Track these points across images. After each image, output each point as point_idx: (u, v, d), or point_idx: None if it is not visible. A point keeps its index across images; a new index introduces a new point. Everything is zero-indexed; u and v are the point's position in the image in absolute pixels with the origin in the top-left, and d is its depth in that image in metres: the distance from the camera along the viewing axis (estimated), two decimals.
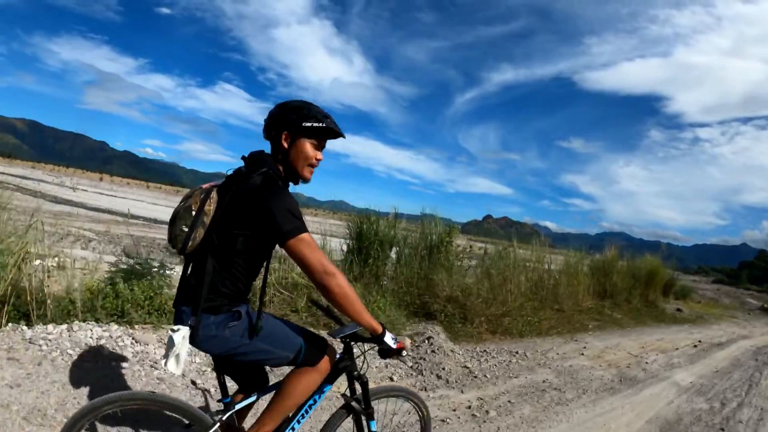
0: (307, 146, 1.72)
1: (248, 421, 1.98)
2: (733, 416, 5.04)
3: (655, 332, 10.37)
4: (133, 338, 3.73)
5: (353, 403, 1.93)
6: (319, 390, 1.87)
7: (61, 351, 3.31)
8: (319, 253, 1.57)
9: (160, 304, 4.22)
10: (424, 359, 5.24)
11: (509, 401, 4.57)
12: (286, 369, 1.89)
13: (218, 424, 1.71)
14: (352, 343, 1.92)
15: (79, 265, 4.47)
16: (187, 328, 1.59)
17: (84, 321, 3.78)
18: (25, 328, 3.50)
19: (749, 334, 12.56)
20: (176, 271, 4.67)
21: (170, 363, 1.57)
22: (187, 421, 1.68)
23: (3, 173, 31.89)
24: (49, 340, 3.38)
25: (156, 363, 3.57)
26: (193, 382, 3.45)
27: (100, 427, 2.32)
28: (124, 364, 3.47)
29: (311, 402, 1.85)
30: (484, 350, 6.30)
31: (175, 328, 1.59)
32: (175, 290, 3.13)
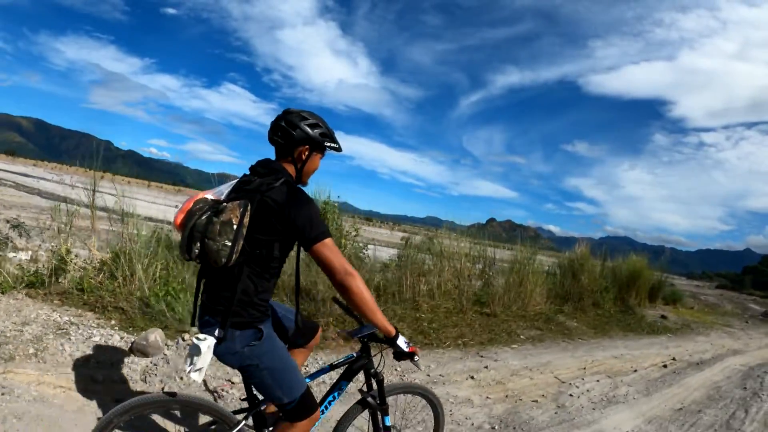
0: (318, 160, 1.90)
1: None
2: None
3: (615, 346, 8.00)
4: None
5: (369, 399, 2.03)
6: (338, 387, 2.03)
7: None
8: (341, 255, 1.67)
9: None
10: None
11: None
12: None
13: (243, 422, 1.82)
14: (370, 343, 2.01)
15: None
16: (213, 338, 1.65)
17: None
18: None
19: (743, 348, 10.15)
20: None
21: (194, 372, 1.61)
22: (211, 419, 1.79)
23: (4, 170, 31.18)
24: None
25: None
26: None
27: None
28: None
29: (330, 398, 2.00)
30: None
31: (201, 336, 1.64)
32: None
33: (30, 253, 4.82)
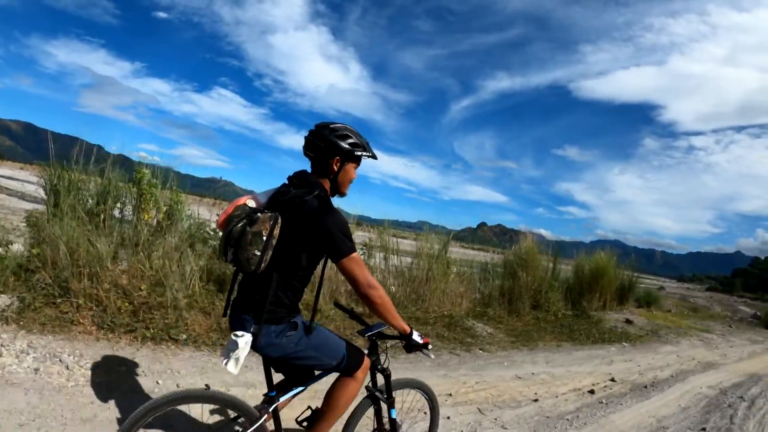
0: (352, 170, 1.95)
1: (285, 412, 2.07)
2: None
3: (531, 361, 5.70)
4: None
5: (377, 393, 2.11)
6: None
7: None
8: (366, 269, 1.79)
9: None
10: None
11: None
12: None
13: (265, 416, 1.87)
14: (378, 340, 2.12)
15: None
16: (250, 335, 1.75)
17: None
18: None
19: (718, 361, 7.86)
20: None
21: (230, 364, 1.72)
22: (234, 414, 1.85)
23: None
24: None
25: None
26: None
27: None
28: None
29: None
30: None
31: (239, 333, 1.74)
32: None
33: None
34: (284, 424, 2.01)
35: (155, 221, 4.94)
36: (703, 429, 4.09)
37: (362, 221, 8.71)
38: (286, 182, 1.94)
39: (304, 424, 2.08)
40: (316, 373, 2.05)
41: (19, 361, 3.03)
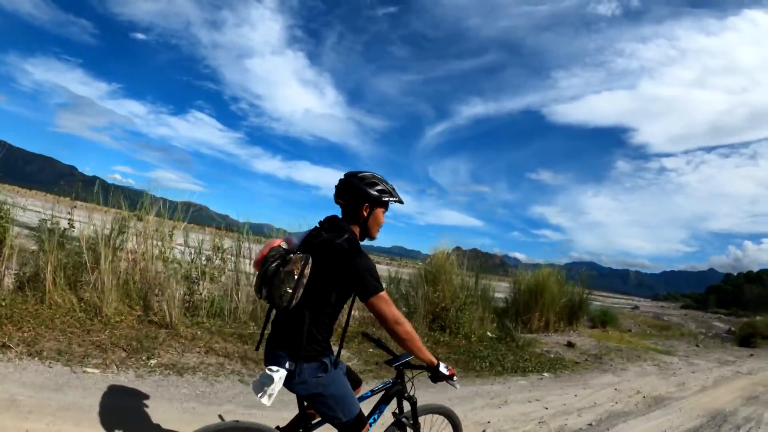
0: (380, 215, 2.03)
1: None
2: None
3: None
4: None
5: (403, 419, 2.18)
6: (378, 410, 2.18)
7: None
8: (393, 306, 1.84)
9: None
10: None
11: None
12: None
13: None
14: (405, 370, 2.18)
15: None
16: (285, 370, 1.82)
17: None
18: None
19: (672, 394, 5.82)
20: None
21: (264, 398, 1.79)
22: None
23: None
24: None
25: None
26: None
27: None
28: None
29: (371, 420, 2.13)
30: None
31: (274, 368, 1.81)
32: None
33: None
34: None
35: None
36: None
37: None
38: (317, 226, 2.01)
39: None
40: (316, 419, 2.11)
41: None
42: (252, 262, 2.77)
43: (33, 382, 3.24)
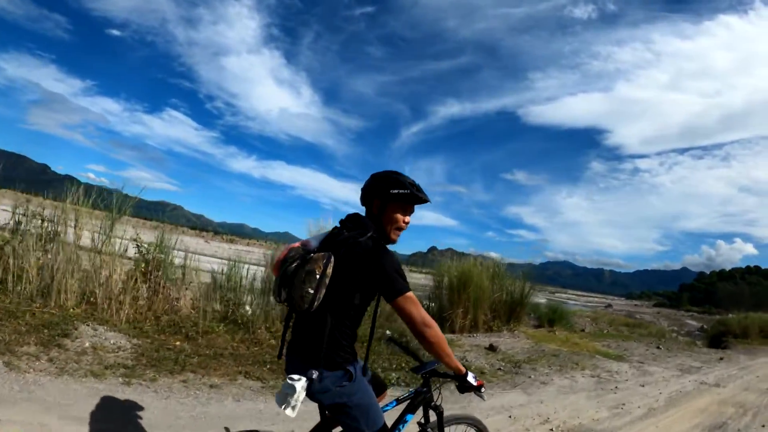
0: (396, 213, 1.85)
1: None
2: None
3: None
4: None
5: (429, 429, 2.08)
6: (403, 420, 2.05)
7: None
8: (421, 308, 1.70)
9: None
10: None
11: None
12: None
13: None
14: (431, 378, 2.06)
15: None
16: (305, 379, 1.68)
17: None
18: None
19: (598, 425, 3.84)
20: None
21: (289, 410, 1.67)
22: None
23: None
24: None
25: None
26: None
27: None
28: None
29: (396, 431, 2.01)
30: None
31: (296, 377, 1.68)
32: None
33: None
34: None
35: None
36: None
37: None
38: (338, 225, 1.90)
39: None
40: (337, 428, 1.94)
41: None
42: (271, 266, 2.33)
43: None
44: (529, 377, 5.52)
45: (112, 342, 4.20)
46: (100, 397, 3.23)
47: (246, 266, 6.14)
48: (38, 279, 4.77)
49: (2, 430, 2.58)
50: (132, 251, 5.41)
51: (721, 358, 9.42)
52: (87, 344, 4.06)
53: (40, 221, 5.18)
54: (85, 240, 5.24)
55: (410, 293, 1.70)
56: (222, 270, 5.93)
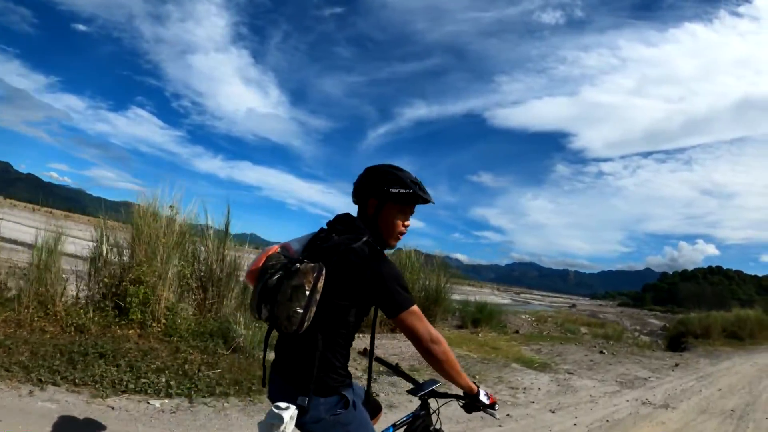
0: (394, 214, 1.55)
1: None
2: None
3: None
4: None
5: None
6: None
7: None
8: (427, 322, 1.46)
9: None
10: None
11: None
12: None
13: None
14: (429, 399, 1.85)
15: None
16: (295, 407, 1.39)
17: None
18: None
19: None
20: None
21: None
22: None
23: None
24: None
25: None
26: None
27: None
28: None
29: None
30: None
31: (282, 405, 1.38)
32: None
33: None
34: None
35: None
36: None
37: None
38: (325, 227, 1.60)
39: None
40: None
41: None
42: (245, 273, 1.69)
43: None
44: (385, 394, 3.52)
45: None
46: None
47: None
48: None
49: None
50: None
51: (677, 365, 7.62)
52: None
53: None
54: None
55: (414, 307, 1.43)
56: None
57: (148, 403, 3.00)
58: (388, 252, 1.62)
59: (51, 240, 4.51)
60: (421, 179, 1.55)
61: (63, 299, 4.26)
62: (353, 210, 1.60)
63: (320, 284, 1.37)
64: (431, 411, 1.86)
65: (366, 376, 1.70)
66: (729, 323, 14.16)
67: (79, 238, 5.15)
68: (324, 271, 1.38)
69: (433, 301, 7.94)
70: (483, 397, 1.63)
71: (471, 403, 1.65)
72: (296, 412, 1.39)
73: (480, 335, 8.02)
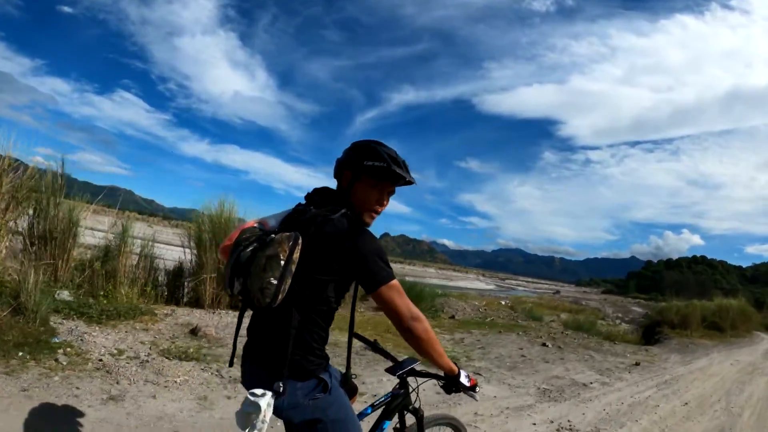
0: (368, 189, 1.42)
1: None
2: None
3: None
4: None
5: None
6: (379, 428, 1.69)
7: None
8: (407, 299, 1.34)
9: None
10: None
11: None
12: None
13: None
14: (408, 378, 1.74)
15: None
16: (271, 393, 1.28)
17: None
18: None
19: None
20: None
21: None
22: None
23: None
24: None
25: None
26: None
27: None
28: None
29: None
30: None
31: (259, 392, 1.27)
32: None
33: None
34: None
35: None
36: None
37: None
38: (304, 201, 1.50)
39: None
40: None
41: None
42: (219, 248, 1.84)
43: None
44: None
45: None
46: None
47: None
48: None
49: None
50: None
51: (637, 363, 5.94)
52: None
53: None
54: None
55: (395, 282, 1.33)
56: None
57: None
58: None
59: None
60: (408, 164, 1.41)
61: None
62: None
63: (296, 254, 1.26)
64: (410, 390, 1.75)
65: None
66: (710, 313, 12.61)
67: None
68: (300, 241, 1.27)
69: None
70: (463, 379, 1.53)
71: (452, 383, 1.54)
72: (273, 398, 1.27)
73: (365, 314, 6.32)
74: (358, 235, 1.32)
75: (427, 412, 1.81)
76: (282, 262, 1.25)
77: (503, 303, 12.47)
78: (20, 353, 2.91)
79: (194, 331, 3.89)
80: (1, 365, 2.74)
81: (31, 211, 4.75)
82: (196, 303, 5.35)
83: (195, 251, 5.56)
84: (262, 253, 1.26)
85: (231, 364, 1.51)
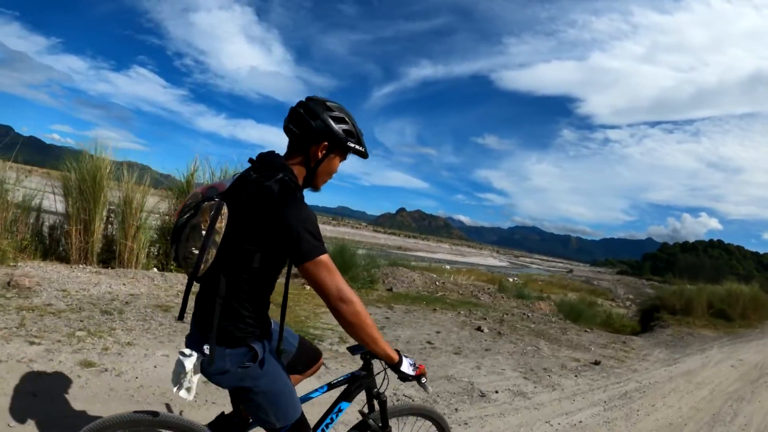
0: (337, 163, 1.43)
1: None
2: None
3: None
4: None
5: (370, 421, 1.65)
6: (336, 409, 1.60)
7: None
8: (338, 277, 1.25)
9: None
10: None
11: None
12: None
13: None
14: (372, 359, 1.60)
15: None
16: (198, 355, 1.30)
17: None
18: None
19: None
20: None
21: (183, 392, 1.30)
22: None
23: None
24: None
25: None
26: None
27: None
28: None
29: (327, 421, 1.60)
30: None
31: (186, 352, 1.29)
32: None
33: None
34: None
35: None
36: None
37: None
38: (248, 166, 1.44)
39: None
40: (250, 420, 1.54)
41: None
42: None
43: None
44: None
45: None
46: None
47: None
48: None
49: None
50: None
51: (596, 363, 4.40)
52: None
53: None
54: None
55: (324, 257, 1.22)
56: None
57: None
58: None
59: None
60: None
61: None
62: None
63: (219, 224, 1.23)
64: (374, 372, 1.62)
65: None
66: (718, 299, 10.84)
67: None
68: (224, 210, 1.24)
69: None
70: (407, 368, 1.42)
71: (395, 371, 1.44)
72: (198, 360, 1.29)
73: (309, 288, 4.94)
74: (286, 203, 1.21)
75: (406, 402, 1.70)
76: (203, 232, 1.22)
77: (540, 282, 10.97)
78: None
79: (9, 283, 3.64)
80: None
81: None
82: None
83: (68, 198, 5.03)
84: (190, 222, 1.25)
85: (180, 318, 1.46)
